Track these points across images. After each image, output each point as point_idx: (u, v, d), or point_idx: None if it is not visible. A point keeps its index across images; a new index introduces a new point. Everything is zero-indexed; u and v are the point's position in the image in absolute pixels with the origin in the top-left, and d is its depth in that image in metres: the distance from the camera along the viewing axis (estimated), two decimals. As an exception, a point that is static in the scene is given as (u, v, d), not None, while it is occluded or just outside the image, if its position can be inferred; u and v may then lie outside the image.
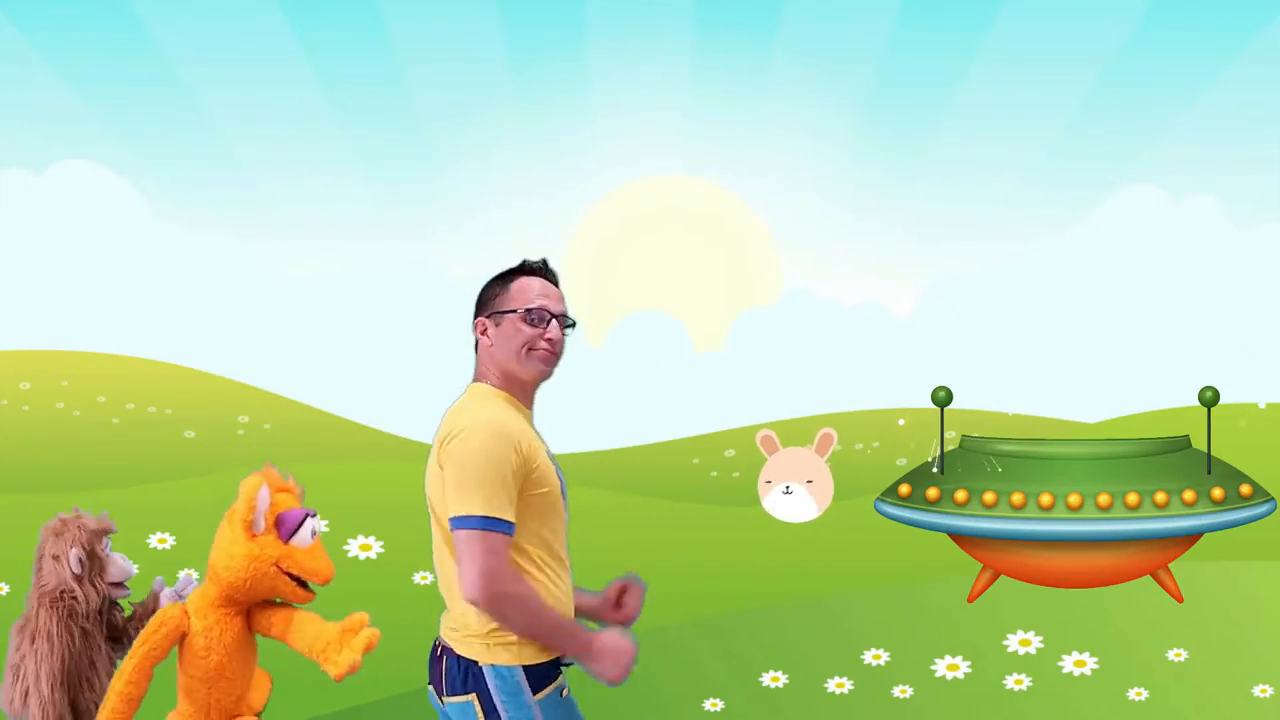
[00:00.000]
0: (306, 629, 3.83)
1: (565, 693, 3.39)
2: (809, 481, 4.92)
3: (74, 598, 4.18)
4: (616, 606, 3.70)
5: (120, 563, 4.30)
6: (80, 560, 4.17)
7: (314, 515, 3.87)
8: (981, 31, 6.37)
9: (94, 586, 4.21)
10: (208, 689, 3.82)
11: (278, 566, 3.79)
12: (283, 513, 3.83)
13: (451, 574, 3.41)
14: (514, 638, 3.36)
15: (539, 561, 3.39)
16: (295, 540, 3.81)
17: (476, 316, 3.56)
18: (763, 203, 6.54)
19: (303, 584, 3.86)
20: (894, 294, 6.49)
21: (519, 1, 6.48)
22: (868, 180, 6.52)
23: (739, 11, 6.53)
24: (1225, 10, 6.38)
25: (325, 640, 3.79)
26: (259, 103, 6.44)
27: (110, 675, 4.08)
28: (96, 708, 4.04)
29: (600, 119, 6.50)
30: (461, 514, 3.28)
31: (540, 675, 3.37)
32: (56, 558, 4.20)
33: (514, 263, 3.64)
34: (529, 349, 3.47)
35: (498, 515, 3.26)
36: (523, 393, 3.52)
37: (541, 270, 3.56)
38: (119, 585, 4.28)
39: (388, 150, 6.53)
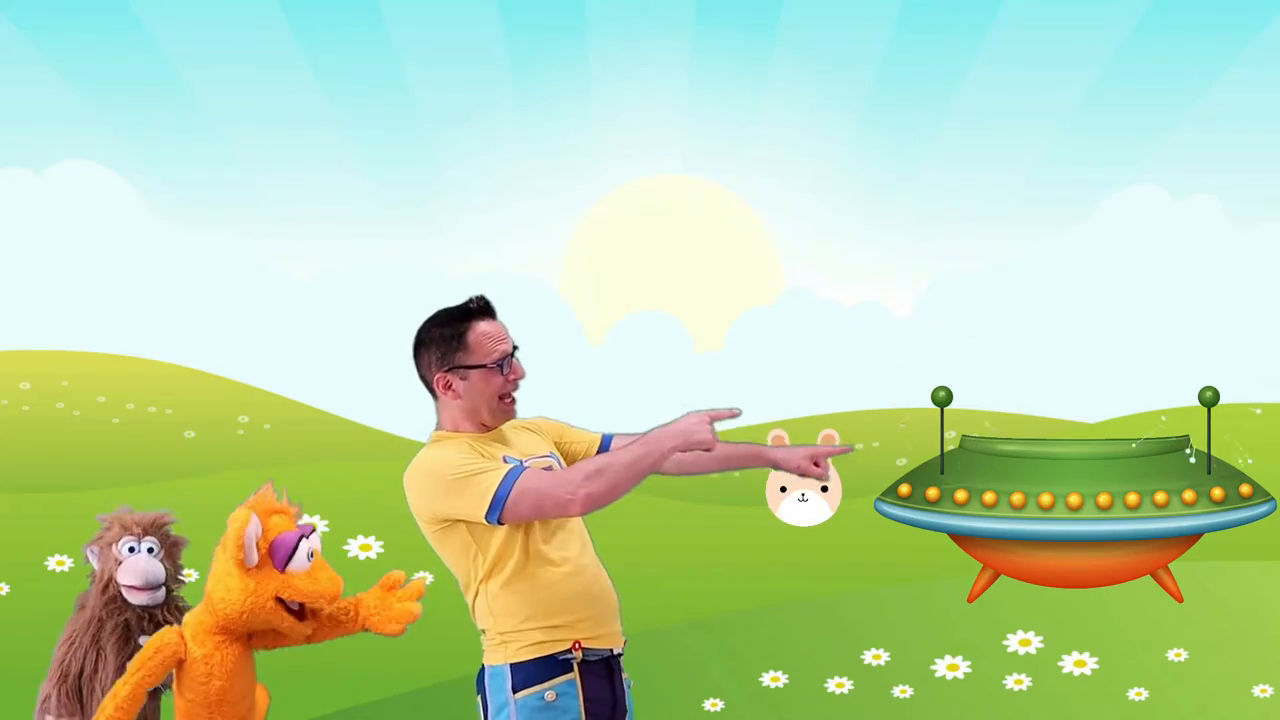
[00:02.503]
0: (337, 619, 3.81)
1: (552, 697, 3.36)
2: (824, 489, 4.91)
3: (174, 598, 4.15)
4: (815, 465, 3.79)
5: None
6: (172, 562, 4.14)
7: (309, 534, 3.73)
8: (981, 32, 6.37)
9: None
10: (209, 714, 3.73)
11: (277, 599, 3.68)
12: (276, 539, 3.68)
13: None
14: (504, 637, 3.38)
15: (517, 569, 3.40)
16: (292, 566, 3.68)
17: (434, 368, 3.47)
18: (763, 203, 6.54)
19: (300, 614, 3.75)
20: (894, 294, 6.49)
21: (519, 1, 6.49)
22: (868, 180, 6.53)
23: (739, 11, 6.53)
24: (1225, 10, 6.38)
25: (369, 607, 3.77)
26: (259, 103, 6.44)
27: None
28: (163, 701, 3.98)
29: (600, 119, 6.50)
30: None
31: (527, 674, 3.37)
32: (119, 560, 4.15)
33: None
34: (501, 397, 3.48)
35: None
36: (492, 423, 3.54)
37: (488, 310, 3.51)
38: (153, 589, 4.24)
39: (388, 150, 6.53)
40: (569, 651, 3.38)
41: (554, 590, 3.40)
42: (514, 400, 3.50)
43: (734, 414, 3.42)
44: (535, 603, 3.38)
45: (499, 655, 3.39)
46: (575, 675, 3.38)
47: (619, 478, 3.29)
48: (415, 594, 3.77)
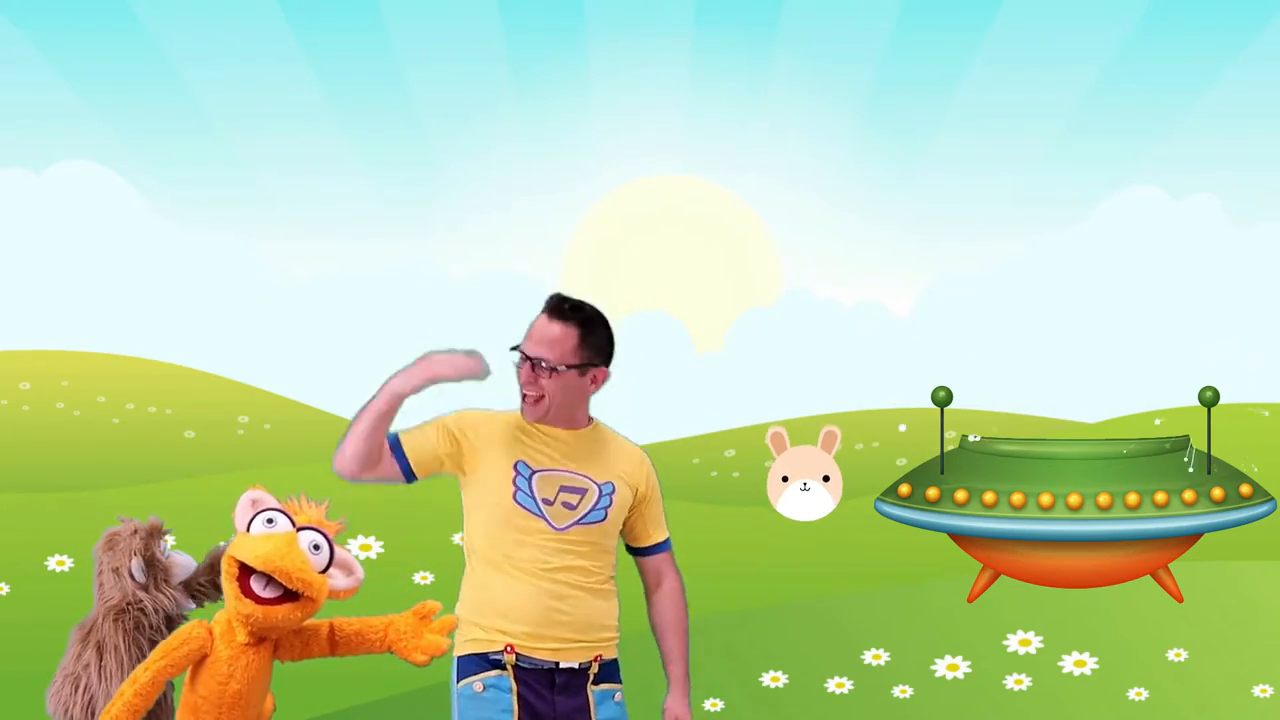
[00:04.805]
0: (365, 636, 3.79)
1: (479, 688, 3.45)
2: (825, 479, 4.89)
3: (141, 609, 4.08)
4: None
5: (183, 561, 4.21)
6: (142, 569, 4.08)
7: (300, 526, 3.72)
8: (981, 31, 6.37)
9: (162, 593, 4.12)
10: (217, 713, 3.70)
11: (232, 558, 3.61)
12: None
13: None
14: (459, 627, 3.53)
15: (478, 563, 3.52)
16: (251, 530, 3.65)
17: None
18: (763, 203, 6.54)
19: (276, 600, 3.66)
20: (894, 294, 6.49)
21: (519, 1, 6.49)
22: (868, 180, 6.53)
23: (739, 11, 6.53)
24: (1225, 10, 6.38)
25: (399, 631, 3.76)
26: (259, 103, 6.44)
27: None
28: (169, 716, 3.93)
29: (600, 119, 6.50)
30: None
31: (465, 665, 3.49)
32: (116, 570, 4.10)
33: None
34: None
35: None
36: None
37: (548, 309, 3.54)
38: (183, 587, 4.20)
39: (388, 150, 6.53)
40: (500, 653, 3.45)
41: (499, 594, 3.47)
42: (529, 400, 3.51)
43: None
44: (482, 601, 3.49)
45: (456, 646, 3.55)
46: (508, 674, 3.45)
47: (356, 427, 3.62)
48: (447, 628, 3.77)
